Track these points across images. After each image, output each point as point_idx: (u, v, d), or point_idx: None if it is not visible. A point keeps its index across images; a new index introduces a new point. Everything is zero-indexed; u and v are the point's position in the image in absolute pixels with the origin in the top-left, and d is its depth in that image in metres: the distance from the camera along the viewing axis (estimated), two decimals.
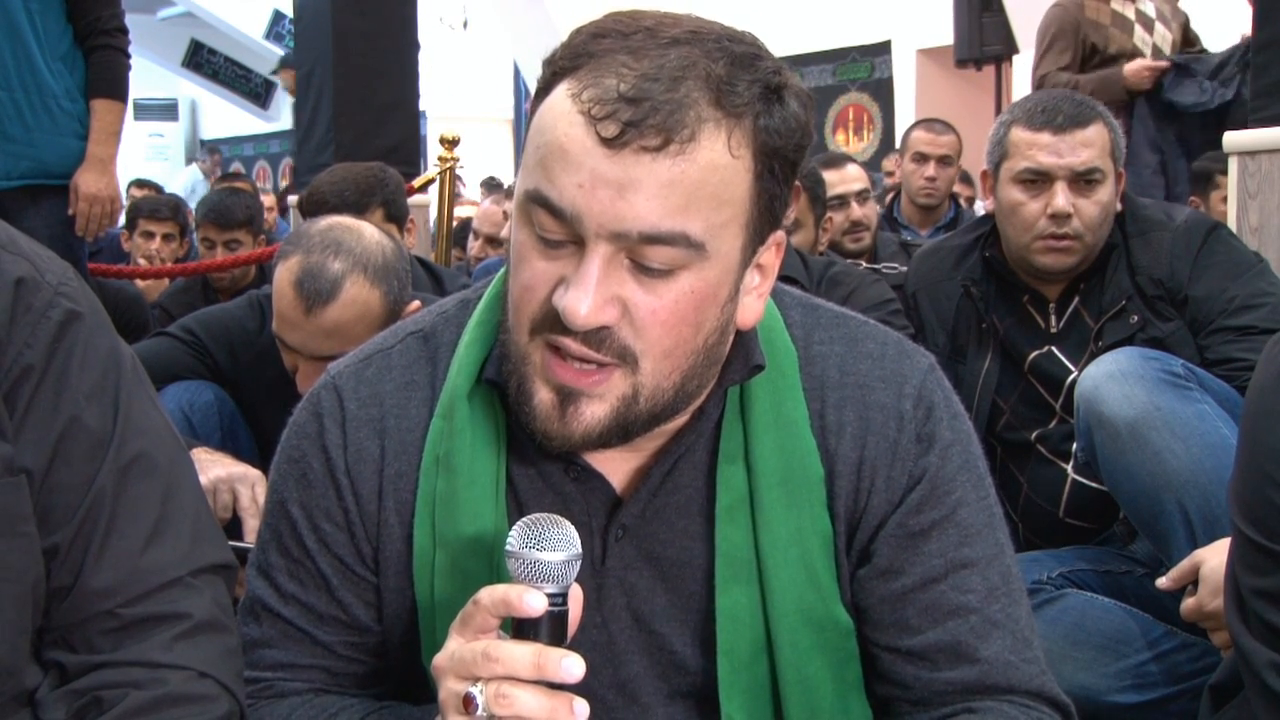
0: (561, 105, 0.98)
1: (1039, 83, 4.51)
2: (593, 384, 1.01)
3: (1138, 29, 4.45)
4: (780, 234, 1.07)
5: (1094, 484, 2.18)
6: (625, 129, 0.94)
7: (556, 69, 1.00)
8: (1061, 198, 2.18)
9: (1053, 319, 2.29)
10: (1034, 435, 2.27)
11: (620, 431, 1.03)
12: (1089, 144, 2.19)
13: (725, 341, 1.07)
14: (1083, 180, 2.18)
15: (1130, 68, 4.35)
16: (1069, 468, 2.25)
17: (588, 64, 0.97)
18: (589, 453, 1.09)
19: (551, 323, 1.00)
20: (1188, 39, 4.65)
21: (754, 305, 1.08)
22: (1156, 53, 4.45)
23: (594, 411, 1.02)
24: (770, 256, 1.08)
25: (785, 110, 1.00)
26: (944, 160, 4.56)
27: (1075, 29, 4.41)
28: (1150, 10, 4.50)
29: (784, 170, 1.02)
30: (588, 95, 0.95)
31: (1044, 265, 2.23)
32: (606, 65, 0.96)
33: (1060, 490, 2.25)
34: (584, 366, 1.01)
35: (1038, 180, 2.20)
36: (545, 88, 1.01)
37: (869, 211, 3.75)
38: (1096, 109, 2.23)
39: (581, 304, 0.96)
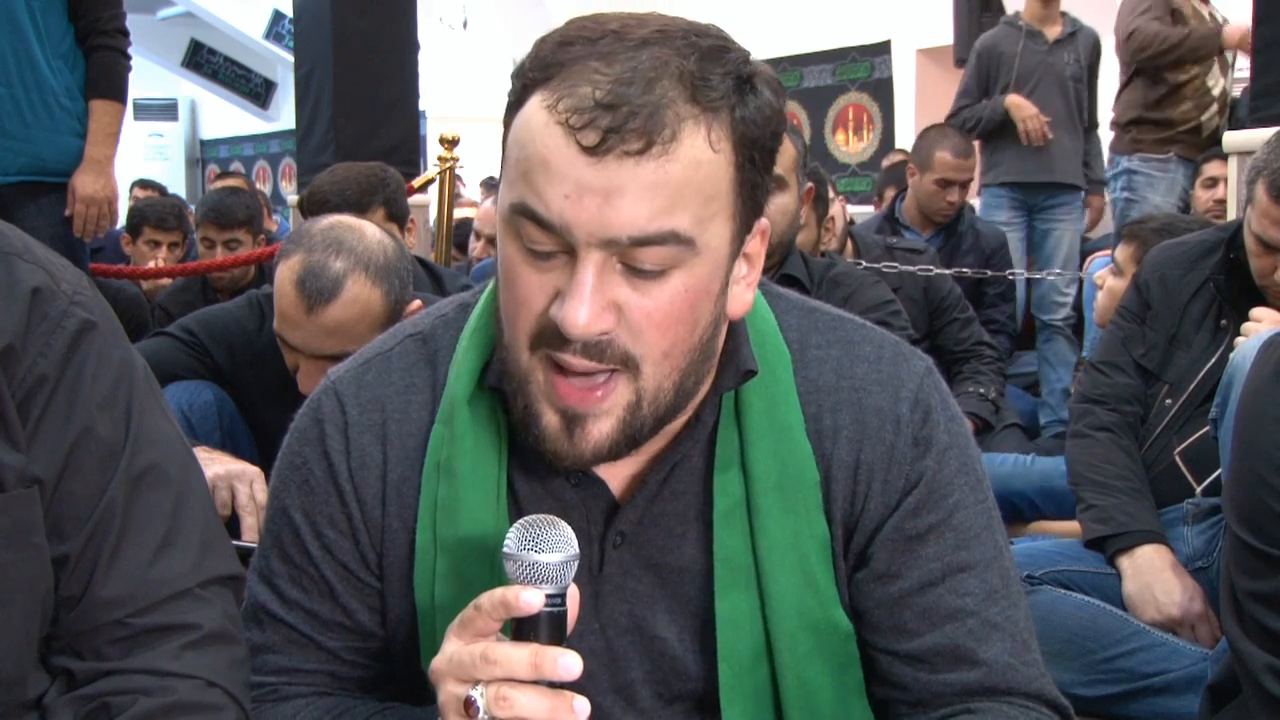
0: (538, 117, 0.97)
1: (1129, 31, 4.77)
2: (597, 401, 1.01)
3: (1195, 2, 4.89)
4: (764, 222, 1.07)
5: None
6: (606, 136, 0.93)
7: (526, 81, 0.99)
8: None
9: None
10: None
11: (629, 442, 1.04)
12: None
13: (719, 334, 1.07)
14: None
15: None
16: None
17: (558, 73, 0.96)
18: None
19: (550, 337, 1.00)
20: None
21: (743, 294, 1.08)
22: (1212, 21, 4.82)
23: (601, 429, 1.02)
24: (756, 245, 1.08)
25: (759, 99, 1.01)
26: (966, 184, 4.54)
27: None
28: None
29: (763, 159, 1.03)
30: (564, 105, 0.95)
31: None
32: (578, 73, 0.95)
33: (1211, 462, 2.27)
34: (588, 382, 1.00)
35: (1270, 247, 2.20)
36: (517, 101, 1.00)
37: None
38: None
39: (579, 314, 0.96)
